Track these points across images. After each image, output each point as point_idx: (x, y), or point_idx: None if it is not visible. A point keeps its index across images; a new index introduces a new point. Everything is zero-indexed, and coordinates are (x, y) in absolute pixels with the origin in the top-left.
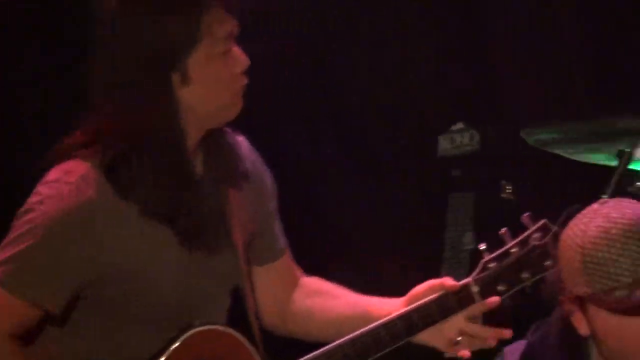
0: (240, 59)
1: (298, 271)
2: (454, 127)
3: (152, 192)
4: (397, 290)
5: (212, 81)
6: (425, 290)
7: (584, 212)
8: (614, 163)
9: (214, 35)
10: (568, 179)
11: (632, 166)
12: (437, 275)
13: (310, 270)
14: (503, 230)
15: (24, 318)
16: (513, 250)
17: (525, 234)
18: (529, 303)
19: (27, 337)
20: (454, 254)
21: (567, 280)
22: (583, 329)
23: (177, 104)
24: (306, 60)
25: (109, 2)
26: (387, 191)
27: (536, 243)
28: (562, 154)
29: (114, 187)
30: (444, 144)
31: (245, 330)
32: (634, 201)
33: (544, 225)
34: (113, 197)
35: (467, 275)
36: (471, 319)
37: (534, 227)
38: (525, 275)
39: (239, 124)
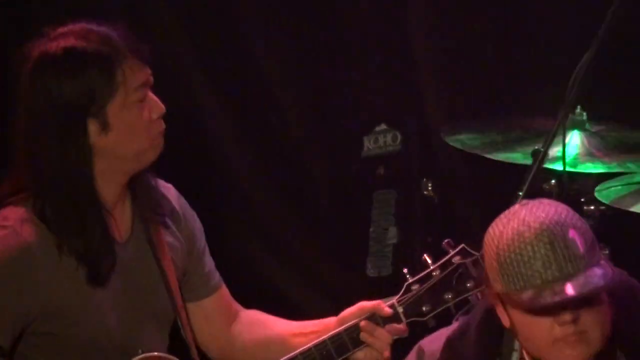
0: (156, 105)
1: (235, 305)
2: (377, 128)
3: (66, 233)
4: (327, 284)
5: (130, 128)
6: (355, 312)
7: (505, 212)
8: (529, 162)
9: (129, 85)
10: (486, 177)
11: (546, 165)
12: (363, 268)
13: (243, 269)
14: (424, 256)
15: None
16: (435, 273)
17: (446, 258)
18: None
19: None
20: (379, 248)
21: (490, 277)
22: (505, 321)
23: (89, 150)
24: (234, 59)
25: (27, 58)
26: (314, 190)
27: (456, 265)
28: (480, 153)
29: (49, 228)
30: (367, 143)
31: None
32: (555, 202)
33: (462, 249)
34: (50, 235)
35: (392, 267)
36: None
37: (453, 252)
38: (448, 296)
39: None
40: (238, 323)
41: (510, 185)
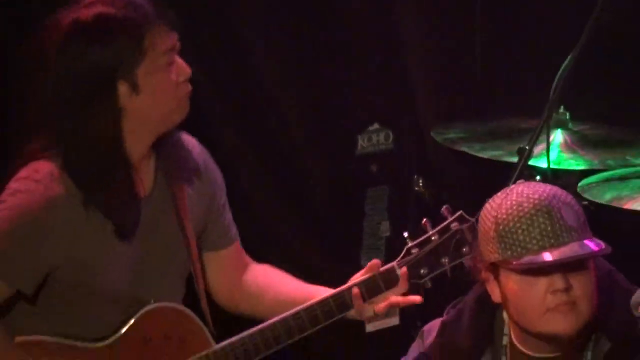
0: (183, 69)
1: (247, 257)
2: (370, 127)
3: (94, 189)
4: (321, 273)
5: (158, 90)
6: (364, 274)
7: (503, 189)
8: (514, 159)
9: (157, 49)
10: (474, 174)
11: (530, 162)
12: (357, 260)
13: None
14: (424, 220)
15: None
16: (433, 238)
17: (445, 223)
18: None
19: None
20: (372, 241)
21: (484, 249)
22: (495, 295)
23: (118, 112)
24: (233, 59)
25: (58, 25)
26: (312, 186)
27: (454, 231)
28: (468, 151)
29: (76, 183)
30: (362, 143)
31: (196, 310)
32: (547, 184)
33: (460, 215)
34: (77, 191)
35: (384, 260)
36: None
37: (451, 218)
38: (444, 260)
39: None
40: (248, 273)
41: (497, 181)
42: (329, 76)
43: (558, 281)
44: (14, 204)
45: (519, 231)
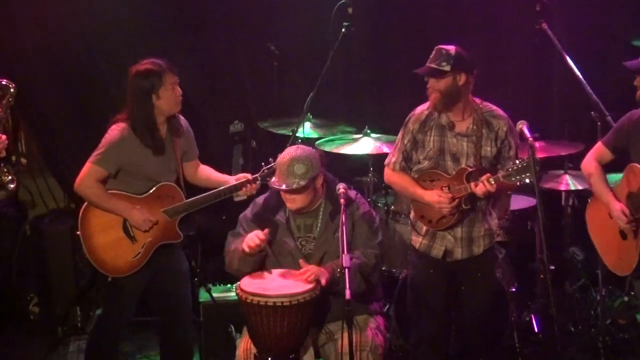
0: (179, 91)
1: (199, 163)
2: (235, 122)
3: (143, 137)
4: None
5: (168, 99)
6: (241, 177)
7: (288, 148)
8: (289, 133)
9: (167, 82)
10: (274, 140)
11: (297, 135)
12: (230, 172)
13: None
14: (270, 159)
15: (102, 175)
16: (272, 164)
17: (269, 165)
18: None
19: (102, 182)
20: (235, 166)
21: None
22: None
23: (153, 107)
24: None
25: (130, 72)
26: (213, 144)
27: (272, 167)
28: (273, 130)
29: (134, 133)
30: (232, 128)
31: (179, 185)
32: (304, 147)
33: (272, 164)
34: (134, 137)
35: (233, 172)
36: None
37: (271, 164)
38: (269, 178)
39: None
40: (200, 168)
41: (285, 144)
42: (225, 94)
43: (286, 194)
44: (106, 138)
45: (279, 169)
